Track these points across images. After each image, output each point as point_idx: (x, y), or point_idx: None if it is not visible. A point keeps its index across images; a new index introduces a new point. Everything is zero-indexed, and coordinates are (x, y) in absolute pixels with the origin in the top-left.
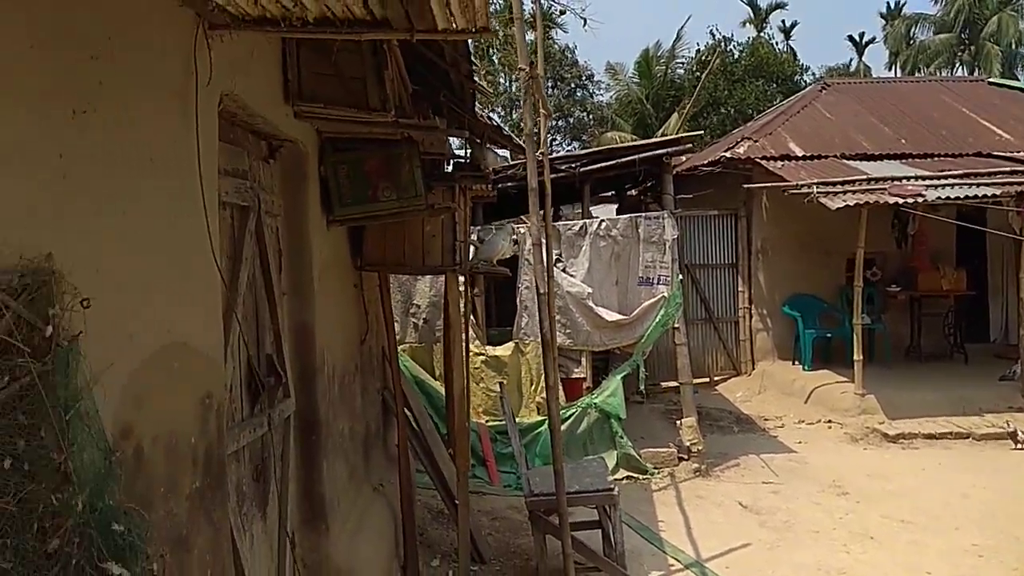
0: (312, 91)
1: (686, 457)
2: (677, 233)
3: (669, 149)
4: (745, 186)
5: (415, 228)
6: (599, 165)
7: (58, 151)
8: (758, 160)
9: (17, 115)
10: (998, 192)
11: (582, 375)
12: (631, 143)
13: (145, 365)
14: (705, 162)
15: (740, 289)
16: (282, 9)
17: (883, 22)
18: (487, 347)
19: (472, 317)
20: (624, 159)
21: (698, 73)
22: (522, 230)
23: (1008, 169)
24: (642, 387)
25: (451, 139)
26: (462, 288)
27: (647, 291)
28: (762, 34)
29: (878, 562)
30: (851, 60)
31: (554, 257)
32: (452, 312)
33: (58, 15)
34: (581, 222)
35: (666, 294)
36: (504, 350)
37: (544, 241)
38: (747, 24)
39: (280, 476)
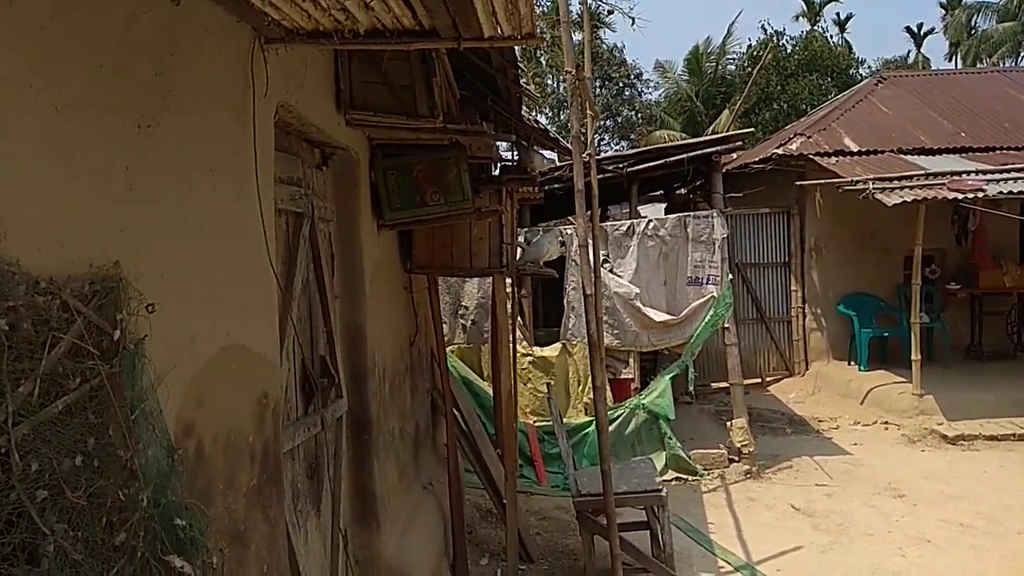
0: (363, 99)
1: (736, 459)
2: (727, 232)
3: (718, 147)
4: (798, 183)
5: (463, 231)
6: (647, 165)
7: (125, 164)
8: (811, 156)
9: (87, 131)
10: None
11: (630, 376)
12: (679, 142)
13: (205, 367)
14: (756, 159)
15: (793, 288)
16: (334, 22)
17: (942, 12)
18: (534, 348)
19: (519, 318)
20: (672, 158)
21: (749, 69)
22: (569, 231)
23: None
24: (691, 388)
25: (498, 143)
26: (509, 290)
27: (696, 291)
28: (816, 27)
29: (936, 567)
30: (909, 52)
31: (601, 258)
32: (499, 313)
33: (125, 35)
34: (628, 222)
35: (715, 294)
36: (551, 351)
37: (591, 242)
38: (800, 18)
39: (333, 474)
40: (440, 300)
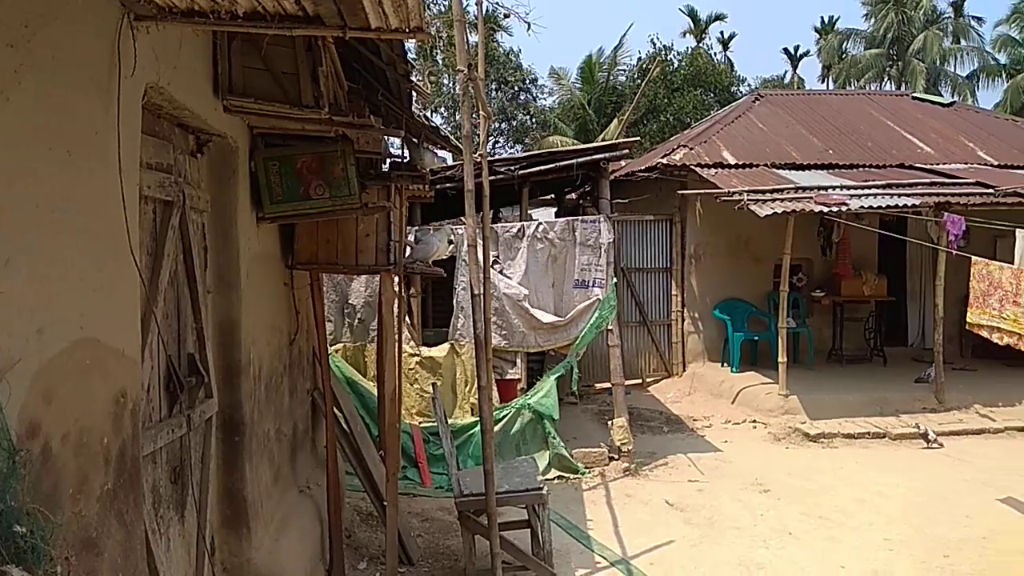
0: (244, 85)
1: (616, 457)
2: (613, 237)
3: (607, 154)
4: (680, 192)
5: (349, 227)
6: (538, 168)
7: None
8: (693, 167)
9: None
10: (917, 203)
11: (517, 376)
12: (570, 147)
13: (54, 361)
14: (642, 168)
15: (674, 293)
16: (211, 2)
17: (817, 36)
18: (422, 348)
19: (408, 318)
20: (563, 163)
21: (639, 81)
22: (459, 231)
23: (927, 181)
24: (575, 388)
25: (390, 139)
26: (397, 288)
27: (582, 293)
28: (701, 45)
29: (795, 557)
30: (786, 72)
31: (491, 259)
32: (386, 312)
33: None
34: (519, 224)
35: (601, 296)
36: (439, 351)
37: (480, 242)
38: (687, 34)
39: (200, 478)
40: (325, 298)
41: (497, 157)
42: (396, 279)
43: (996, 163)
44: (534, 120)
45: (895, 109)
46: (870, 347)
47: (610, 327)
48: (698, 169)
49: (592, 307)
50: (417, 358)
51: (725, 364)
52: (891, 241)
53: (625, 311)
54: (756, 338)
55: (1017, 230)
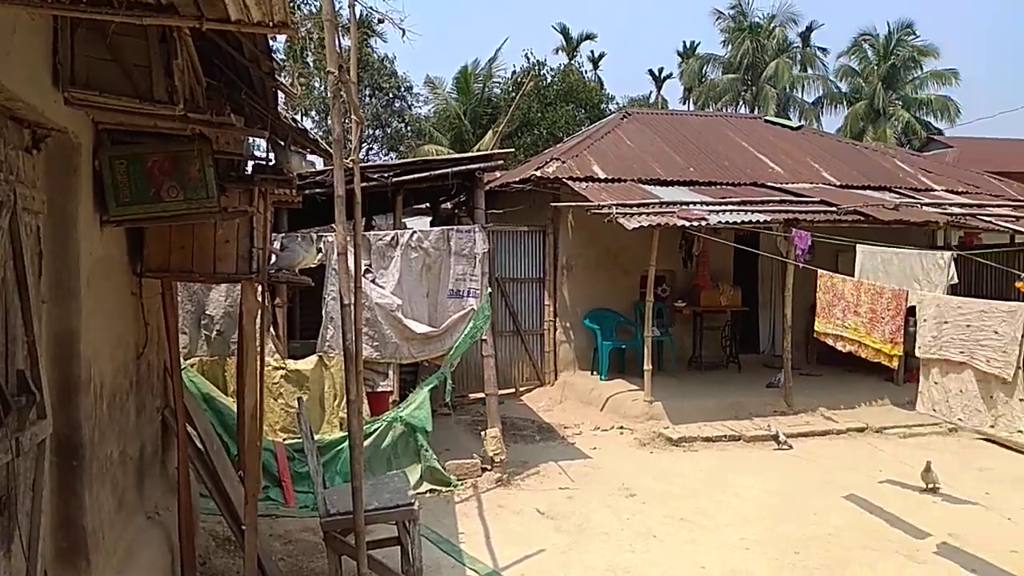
0: (88, 77)
1: (489, 467)
2: (487, 247)
3: (482, 164)
4: (552, 204)
5: (206, 232)
6: (412, 176)
7: None
8: (565, 180)
9: None
10: (769, 219)
11: (389, 388)
12: (445, 156)
13: None
14: (517, 179)
15: (547, 303)
16: None
17: (679, 60)
18: (288, 361)
19: (272, 329)
20: (438, 172)
21: (513, 93)
22: (329, 239)
23: (778, 199)
24: (449, 399)
25: (255, 140)
26: (260, 298)
27: (457, 303)
28: (573, 62)
29: (659, 559)
30: (651, 92)
31: (363, 268)
32: (247, 324)
33: None
34: (392, 233)
35: (475, 306)
36: (306, 364)
37: (351, 250)
38: (559, 51)
39: (31, 508)
40: (180, 308)
41: (370, 164)
42: (259, 288)
43: (838, 183)
44: (409, 128)
45: (749, 131)
46: (726, 354)
47: (484, 337)
48: (570, 183)
49: (467, 317)
50: (282, 372)
51: (595, 372)
52: (745, 254)
53: (499, 321)
54: (624, 347)
55: (857, 245)
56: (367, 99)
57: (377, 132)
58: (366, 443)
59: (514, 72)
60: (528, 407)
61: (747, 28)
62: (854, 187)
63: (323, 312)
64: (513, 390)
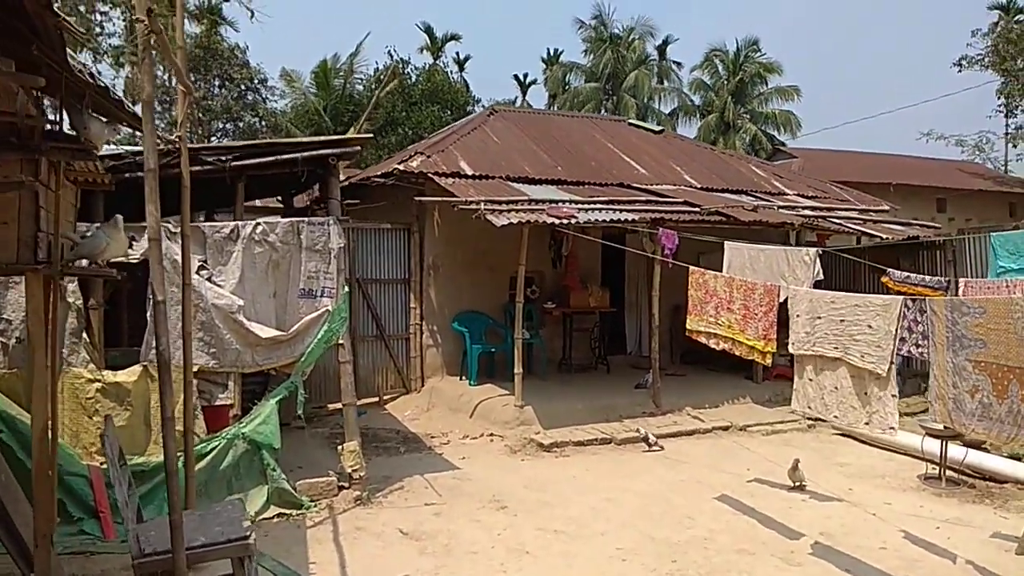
0: None
1: (347, 485)
2: (343, 242)
3: (336, 150)
4: (417, 199)
5: None
6: (255, 161)
7: None
8: (431, 175)
9: None
10: (636, 218)
11: (229, 401)
12: (294, 139)
13: None
14: (379, 174)
15: (412, 305)
16: None
17: (544, 66)
18: (106, 372)
19: (86, 335)
20: (285, 156)
21: (376, 90)
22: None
23: (644, 199)
24: (300, 412)
25: (47, 101)
26: (55, 295)
27: (309, 304)
28: (438, 62)
29: None
30: (516, 97)
31: (197, 264)
32: (33, 326)
33: None
34: (232, 224)
35: (331, 307)
36: (128, 375)
37: (177, 243)
38: (424, 51)
39: None
40: None
41: (205, 145)
42: (63, 284)
43: (699, 185)
44: (264, 123)
45: (615, 133)
46: (595, 356)
47: (341, 341)
48: (436, 178)
49: (321, 319)
50: (98, 385)
51: (464, 377)
52: (612, 256)
53: (361, 324)
54: (494, 350)
55: (725, 242)
56: (216, 90)
57: (228, 126)
58: (201, 464)
59: (377, 69)
60: (393, 416)
61: (608, 39)
62: (714, 190)
63: (147, 315)
64: (377, 399)
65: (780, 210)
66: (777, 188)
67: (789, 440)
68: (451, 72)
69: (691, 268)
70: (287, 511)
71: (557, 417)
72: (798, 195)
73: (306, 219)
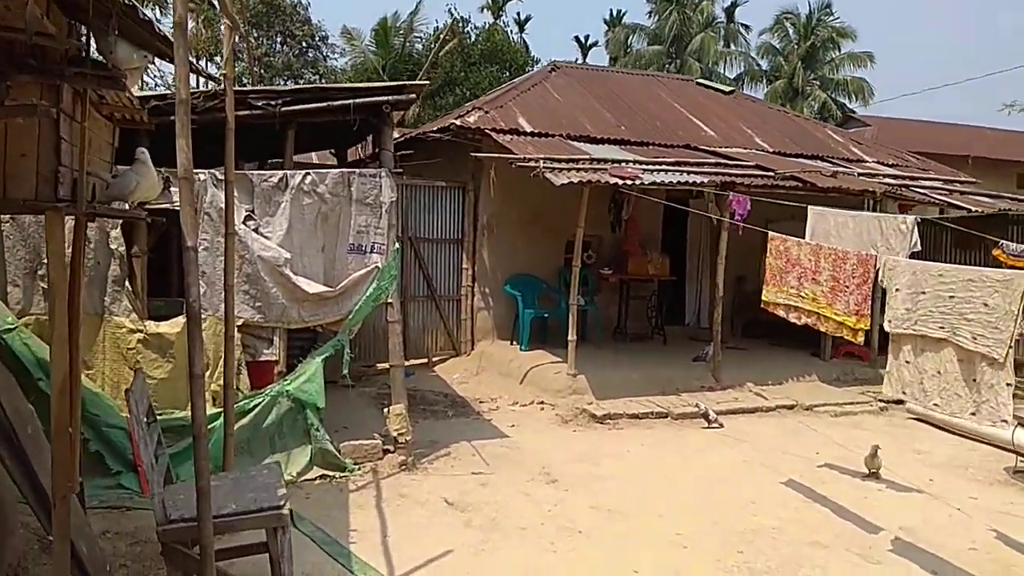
0: None
1: (392, 449)
2: (395, 196)
3: (391, 97)
4: (473, 154)
5: None
6: (307, 106)
7: None
8: (488, 131)
9: None
10: (706, 180)
11: (274, 357)
12: (347, 85)
13: None
14: (435, 129)
15: (464, 266)
16: None
17: (606, 28)
18: (148, 323)
19: (128, 283)
20: (337, 102)
21: (435, 48)
22: (202, 176)
23: (713, 161)
24: (346, 371)
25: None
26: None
27: (358, 260)
28: (498, 22)
29: (586, 559)
30: (576, 60)
31: (244, 214)
32: (54, 271)
33: None
34: (280, 173)
35: (380, 264)
36: (171, 326)
37: (221, 188)
38: (485, 10)
39: None
40: (8, 254)
41: (253, 88)
42: (77, 224)
43: (771, 149)
44: (324, 81)
45: (681, 92)
46: (652, 325)
47: (390, 300)
48: (493, 134)
49: (369, 276)
50: (140, 335)
51: (515, 342)
52: (673, 222)
53: (412, 284)
54: (547, 315)
55: (809, 207)
56: (278, 47)
57: (289, 84)
58: (244, 422)
59: (436, 28)
60: (442, 379)
61: (674, 0)
62: (788, 154)
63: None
64: (426, 360)
65: (860, 177)
66: (855, 155)
67: (860, 423)
68: (511, 32)
69: (771, 234)
70: (330, 473)
71: (611, 387)
72: (878, 163)
73: (357, 171)
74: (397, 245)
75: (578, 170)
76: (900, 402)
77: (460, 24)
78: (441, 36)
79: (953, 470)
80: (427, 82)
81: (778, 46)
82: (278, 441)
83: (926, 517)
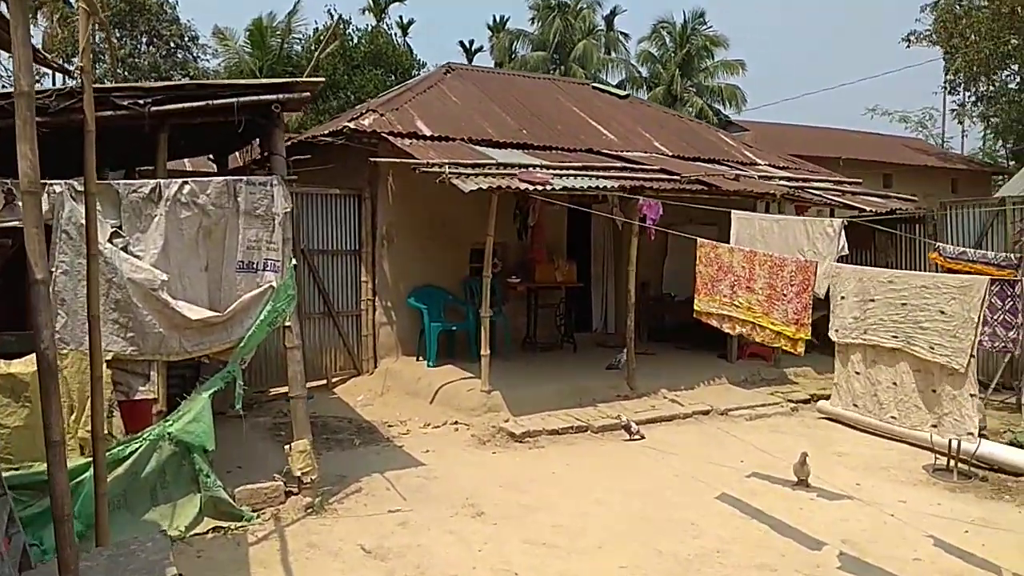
0: None
1: (295, 490)
2: (290, 206)
3: (281, 95)
4: (373, 160)
5: None
6: (181, 106)
7: None
8: (385, 135)
9: None
10: (615, 185)
11: (151, 395)
12: (230, 81)
13: None
14: (327, 132)
15: (364, 279)
16: None
17: (490, 33)
18: None
19: None
20: (218, 101)
21: (315, 50)
22: (57, 189)
23: (619, 165)
24: (239, 405)
25: None
26: None
27: (249, 280)
28: (381, 24)
29: None
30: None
31: (110, 230)
32: None
33: None
34: (154, 182)
35: (275, 283)
36: (24, 365)
37: (80, 201)
38: (367, 12)
39: None
40: None
41: (117, 84)
42: None
43: (670, 153)
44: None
45: (579, 96)
46: (561, 334)
47: (288, 322)
48: (391, 138)
49: (263, 297)
50: None
51: (421, 358)
52: (577, 228)
53: (307, 300)
54: (454, 328)
55: (732, 212)
56: (143, 46)
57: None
58: (119, 471)
59: (316, 29)
60: (344, 402)
61: (556, 7)
62: (687, 158)
63: (51, 292)
64: (325, 381)
65: (760, 180)
66: (748, 158)
67: (776, 426)
68: (395, 36)
69: (700, 241)
70: (224, 524)
71: (527, 402)
72: (770, 165)
73: (244, 178)
74: (294, 261)
75: (485, 175)
76: (807, 401)
77: (341, 25)
78: (322, 37)
79: (876, 472)
80: (322, 79)
81: (656, 54)
82: (160, 491)
83: (864, 527)
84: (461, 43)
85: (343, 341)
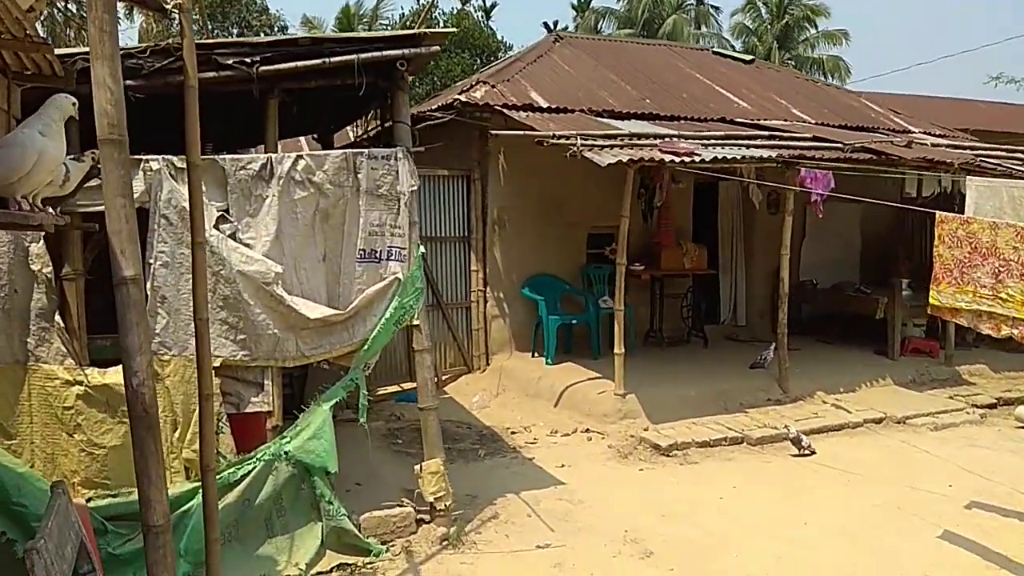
0: None
1: (427, 518)
2: (417, 183)
3: (407, 50)
4: (493, 132)
5: None
6: (295, 64)
7: None
8: (499, 108)
9: None
10: (773, 155)
11: (265, 407)
12: (348, 35)
13: None
14: (435, 107)
15: (474, 268)
16: None
17: (574, 13)
18: (89, 370)
19: (59, 317)
20: (335, 59)
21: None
22: (155, 165)
23: (765, 134)
24: (363, 418)
25: None
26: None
27: (372, 271)
28: (466, 7)
29: None
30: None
31: (216, 214)
32: None
33: None
34: (264, 158)
35: (401, 275)
36: (120, 374)
37: (181, 180)
38: None
39: None
40: None
41: (222, 40)
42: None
43: (814, 121)
44: None
45: (700, 63)
46: (688, 327)
47: (416, 321)
48: (506, 111)
49: (389, 291)
50: (79, 388)
51: (536, 354)
52: (702, 209)
53: None
54: (573, 321)
55: (968, 179)
56: (234, 38)
57: None
58: (230, 498)
59: (403, 15)
60: (458, 403)
61: None
62: (835, 126)
63: (149, 288)
64: (435, 379)
65: (935, 148)
66: (900, 125)
67: (971, 438)
68: (480, 18)
69: (939, 215)
70: (350, 560)
71: (666, 407)
72: (925, 133)
73: (364, 151)
74: (422, 249)
75: (621, 147)
76: (993, 406)
77: (427, 9)
78: (409, 23)
79: None
80: (452, 29)
81: (751, 26)
82: (277, 521)
83: None
84: (545, 24)
85: (452, 336)
